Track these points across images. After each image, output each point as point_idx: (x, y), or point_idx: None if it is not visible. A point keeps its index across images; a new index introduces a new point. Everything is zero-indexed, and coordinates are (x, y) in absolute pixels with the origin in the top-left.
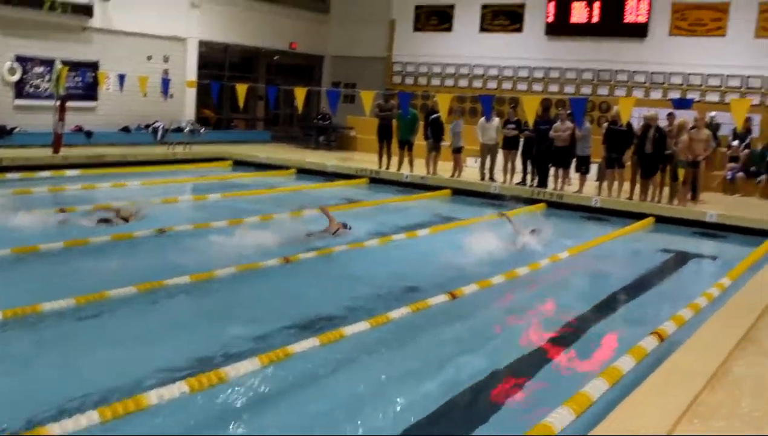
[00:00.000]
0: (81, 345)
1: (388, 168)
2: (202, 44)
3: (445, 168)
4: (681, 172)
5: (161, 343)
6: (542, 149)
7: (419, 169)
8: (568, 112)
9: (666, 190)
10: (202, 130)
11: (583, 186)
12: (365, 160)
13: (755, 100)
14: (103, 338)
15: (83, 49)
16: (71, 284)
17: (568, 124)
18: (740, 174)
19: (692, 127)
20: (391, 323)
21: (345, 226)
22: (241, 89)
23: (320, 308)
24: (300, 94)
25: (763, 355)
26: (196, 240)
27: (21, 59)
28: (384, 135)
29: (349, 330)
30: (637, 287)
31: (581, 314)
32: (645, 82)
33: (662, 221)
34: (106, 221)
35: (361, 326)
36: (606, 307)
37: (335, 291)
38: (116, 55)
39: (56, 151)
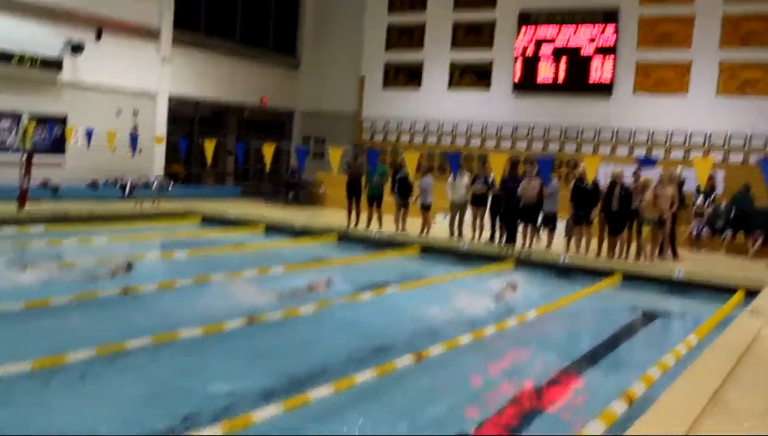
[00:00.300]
0: (35, 409)
1: (357, 225)
2: (173, 99)
3: (414, 224)
4: (646, 230)
5: (113, 407)
6: (510, 207)
7: (388, 225)
8: (536, 169)
9: (634, 246)
10: (170, 186)
11: (550, 243)
12: (334, 216)
13: (718, 157)
14: (58, 404)
15: (52, 103)
16: (30, 346)
17: (536, 181)
18: (706, 230)
19: (657, 184)
20: (357, 386)
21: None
22: (209, 146)
23: (285, 370)
24: (268, 151)
25: (730, 415)
26: (161, 299)
27: None
28: (353, 192)
29: (314, 394)
30: (606, 347)
31: (549, 376)
32: (611, 139)
33: (630, 278)
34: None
35: (325, 390)
36: (575, 368)
37: (301, 353)
38: (85, 109)
39: (22, 206)
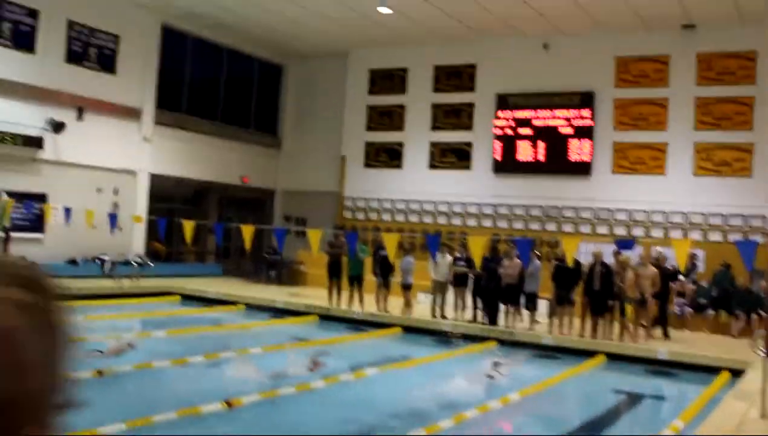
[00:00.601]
0: None
1: (338, 304)
2: (154, 177)
3: (395, 304)
4: (629, 309)
5: None
6: (491, 286)
7: (370, 305)
8: (515, 250)
9: (617, 326)
10: (150, 264)
11: (532, 323)
12: (316, 295)
13: (697, 235)
14: None
15: (31, 181)
16: None
17: (517, 261)
18: (689, 309)
19: (638, 264)
20: None
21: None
22: (188, 225)
23: None
24: (247, 231)
25: None
26: (136, 381)
27: None
28: (334, 271)
29: None
30: (590, 431)
31: None
32: (591, 219)
33: (614, 358)
34: (100, 351)
35: None
36: None
37: None
38: (65, 186)
39: None
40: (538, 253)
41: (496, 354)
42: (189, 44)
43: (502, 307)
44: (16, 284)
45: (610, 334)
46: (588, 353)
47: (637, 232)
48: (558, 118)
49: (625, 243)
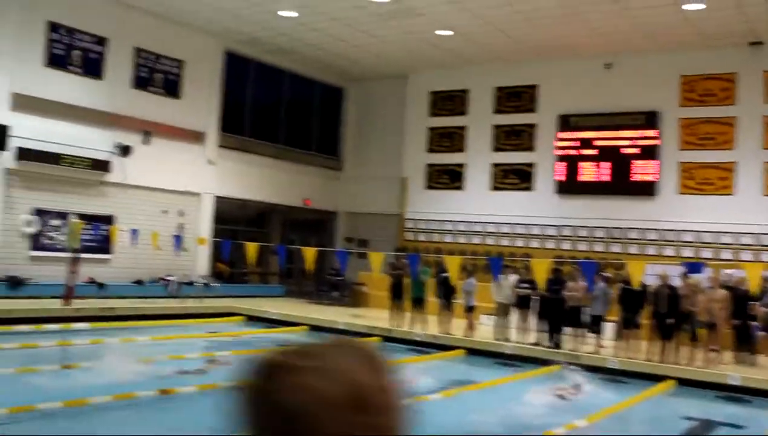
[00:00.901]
0: None
1: (400, 326)
2: (218, 199)
3: (458, 326)
4: (701, 333)
5: None
6: (555, 309)
7: (432, 327)
8: (579, 272)
9: (685, 350)
10: (215, 285)
11: (598, 346)
12: (378, 316)
13: None
14: None
15: (99, 203)
16: None
17: (582, 283)
18: (761, 333)
19: (708, 287)
20: None
21: None
22: (252, 247)
23: None
24: (309, 254)
25: None
26: (200, 403)
27: (38, 212)
28: (396, 293)
29: None
30: None
31: None
32: (657, 240)
33: (683, 383)
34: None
35: None
36: None
37: None
38: (131, 208)
39: (67, 303)
40: (608, 275)
41: (562, 378)
42: (251, 68)
43: (566, 329)
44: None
45: (678, 358)
46: (656, 378)
47: (705, 254)
48: (622, 139)
49: (693, 266)
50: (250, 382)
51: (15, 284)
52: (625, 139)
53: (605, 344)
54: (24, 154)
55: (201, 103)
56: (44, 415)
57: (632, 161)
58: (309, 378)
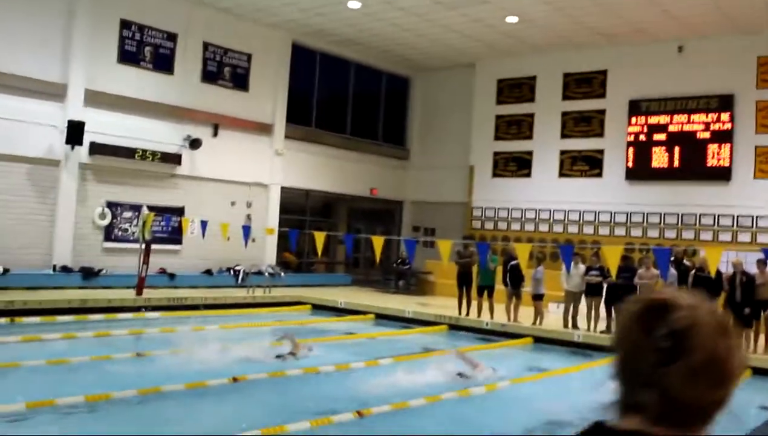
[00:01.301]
0: None
1: (468, 314)
2: (285, 190)
3: (526, 314)
4: None
5: None
6: (625, 297)
7: (500, 315)
8: (652, 259)
9: (766, 340)
10: (282, 274)
11: None
12: (445, 305)
13: None
14: None
15: (170, 195)
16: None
17: (654, 271)
18: None
19: None
20: None
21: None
22: (319, 237)
23: None
24: (377, 243)
25: None
26: (271, 388)
27: (111, 204)
28: (463, 281)
29: None
30: None
31: None
32: (731, 226)
33: (759, 372)
34: (280, 356)
35: None
36: None
37: None
38: (201, 200)
39: (139, 293)
40: (687, 263)
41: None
42: (317, 60)
43: None
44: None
45: (756, 347)
46: None
47: None
48: (695, 123)
49: None
50: (644, 311)
51: (89, 275)
52: (698, 124)
53: None
54: (97, 148)
55: (268, 95)
56: (120, 402)
57: (706, 146)
58: (693, 310)
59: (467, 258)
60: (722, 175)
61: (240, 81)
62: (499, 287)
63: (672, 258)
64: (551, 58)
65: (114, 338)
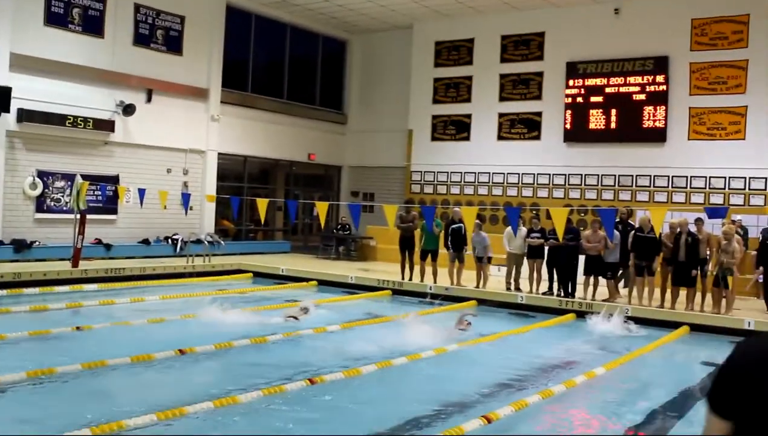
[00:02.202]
0: None
1: (411, 279)
2: (222, 156)
3: (469, 277)
4: (731, 280)
5: None
6: (569, 258)
7: (443, 279)
8: (599, 221)
9: (702, 297)
10: (222, 242)
11: (614, 294)
12: (387, 270)
13: None
14: None
15: (103, 163)
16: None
17: (600, 233)
18: None
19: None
20: None
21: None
22: (262, 203)
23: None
24: (321, 208)
25: None
26: (216, 360)
27: (42, 174)
28: (406, 246)
29: None
30: (682, 406)
31: None
32: (667, 187)
33: (697, 329)
34: (293, 317)
35: None
36: (649, 430)
37: (356, 419)
38: (136, 168)
39: (75, 265)
40: (631, 223)
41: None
42: (253, 22)
43: (580, 278)
44: None
45: (693, 305)
46: (670, 324)
47: (716, 199)
48: (631, 85)
49: (715, 211)
50: None
51: (21, 247)
52: (634, 86)
53: (622, 293)
54: (26, 115)
55: (203, 59)
56: (63, 377)
57: (641, 108)
58: None
59: (409, 223)
60: (658, 136)
61: (173, 44)
62: (442, 251)
63: (617, 219)
64: (489, 19)
65: (51, 312)
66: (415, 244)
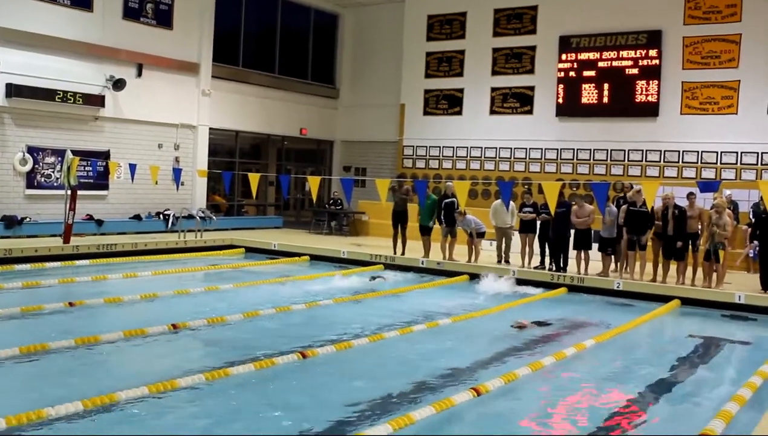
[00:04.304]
0: None
1: (403, 253)
2: (213, 131)
3: (461, 252)
4: (722, 254)
5: None
6: (559, 233)
7: (436, 254)
8: (589, 195)
9: (693, 271)
10: (214, 218)
11: (607, 268)
12: (379, 245)
13: None
14: None
15: (94, 139)
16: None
17: (589, 207)
18: None
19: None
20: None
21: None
22: (254, 178)
23: (333, 410)
24: (314, 183)
25: None
26: (210, 335)
27: (32, 150)
28: (398, 220)
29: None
30: (672, 379)
31: (612, 411)
32: (659, 161)
33: (688, 303)
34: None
35: (381, 429)
36: (640, 403)
37: (348, 391)
38: (127, 143)
39: (66, 241)
40: (623, 196)
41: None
42: None
43: (572, 253)
44: None
45: (684, 279)
46: (661, 298)
47: (708, 174)
48: (624, 59)
49: (708, 185)
50: None
51: (11, 224)
52: (627, 60)
53: (613, 266)
54: (14, 90)
55: (193, 33)
56: (57, 351)
57: (634, 82)
58: None
59: (402, 196)
60: (650, 111)
61: (164, 18)
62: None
63: (621, 195)
64: None
65: (43, 289)
66: (407, 218)
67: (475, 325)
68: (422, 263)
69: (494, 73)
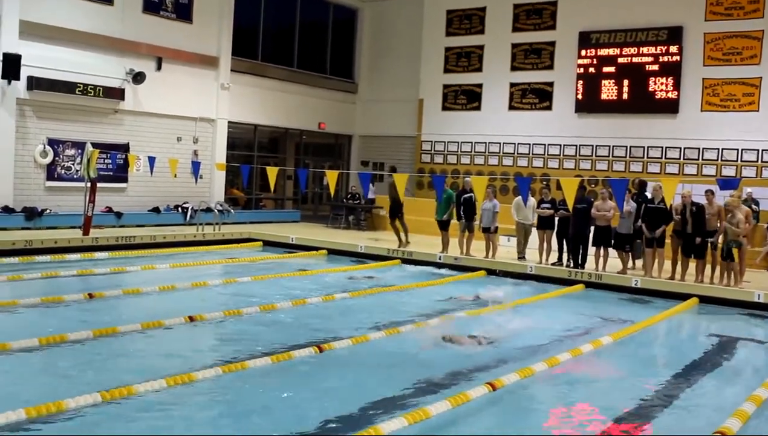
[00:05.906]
0: None
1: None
2: (232, 125)
3: (479, 247)
4: (735, 252)
5: None
6: (579, 229)
7: (453, 249)
8: (610, 191)
9: (712, 270)
10: (232, 211)
11: (626, 266)
12: (396, 240)
13: None
14: None
15: (114, 132)
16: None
17: (610, 203)
18: None
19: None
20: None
21: None
22: (272, 172)
23: (343, 406)
24: (332, 177)
25: None
26: (227, 327)
27: (53, 142)
28: (395, 212)
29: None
30: (689, 377)
31: (628, 409)
32: (679, 158)
33: (706, 301)
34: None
35: (397, 422)
36: (657, 401)
37: (361, 386)
38: (146, 136)
39: (86, 233)
40: (648, 194)
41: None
42: None
43: (591, 250)
44: None
45: (703, 276)
46: (680, 296)
47: (728, 171)
48: (644, 55)
49: (727, 182)
50: None
51: (32, 215)
52: (647, 56)
53: (631, 264)
54: (36, 83)
55: (213, 27)
56: (76, 343)
57: (654, 79)
58: None
59: (394, 188)
60: (670, 107)
61: (183, 12)
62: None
63: (645, 192)
64: None
65: (63, 280)
66: (401, 210)
67: (489, 319)
68: (439, 258)
69: (513, 68)
